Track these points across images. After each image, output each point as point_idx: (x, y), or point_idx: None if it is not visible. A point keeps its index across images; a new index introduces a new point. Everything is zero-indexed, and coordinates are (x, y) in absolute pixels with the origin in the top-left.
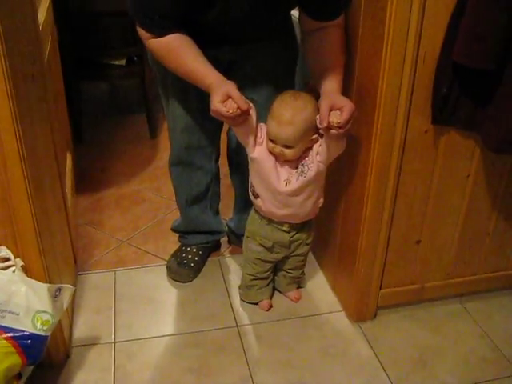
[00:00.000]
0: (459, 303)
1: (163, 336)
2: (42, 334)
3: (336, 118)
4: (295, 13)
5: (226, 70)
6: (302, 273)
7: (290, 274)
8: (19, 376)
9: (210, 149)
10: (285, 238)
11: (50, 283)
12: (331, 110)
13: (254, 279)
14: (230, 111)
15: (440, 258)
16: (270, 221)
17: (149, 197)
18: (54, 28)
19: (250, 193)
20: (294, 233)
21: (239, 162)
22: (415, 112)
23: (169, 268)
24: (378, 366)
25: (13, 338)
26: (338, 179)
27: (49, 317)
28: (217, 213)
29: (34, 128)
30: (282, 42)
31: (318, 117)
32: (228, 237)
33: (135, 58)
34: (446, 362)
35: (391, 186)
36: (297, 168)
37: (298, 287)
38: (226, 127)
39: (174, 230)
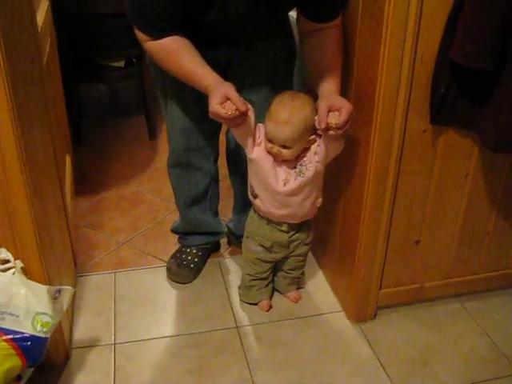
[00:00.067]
0: (459, 303)
1: (163, 337)
2: (42, 335)
3: (334, 119)
4: (293, 14)
5: (224, 71)
6: (302, 273)
7: (289, 275)
8: (19, 378)
9: (209, 150)
10: (284, 238)
11: (49, 285)
12: (329, 111)
13: (254, 279)
14: (229, 113)
15: (439, 258)
16: (269, 221)
17: (148, 198)
18: (53, 30)
19: (249, 193)
20: (292, 233)
21: (238, 163)
22: (413, 112)
23: (168, 269)
24: (377, 366)
25: (13, 339)
26: (337, 179)
27: (49, 318)
28: (216, 214)
29: (33, 130)
30: (279, 43)
31: (316, 118)
32: (227, 238)
33: (134, 60)
34: (446, 361)
35: (390, 186)
36: (295, 168)
37: (298, 288)
38: (224, 128)
39: (173, 231)
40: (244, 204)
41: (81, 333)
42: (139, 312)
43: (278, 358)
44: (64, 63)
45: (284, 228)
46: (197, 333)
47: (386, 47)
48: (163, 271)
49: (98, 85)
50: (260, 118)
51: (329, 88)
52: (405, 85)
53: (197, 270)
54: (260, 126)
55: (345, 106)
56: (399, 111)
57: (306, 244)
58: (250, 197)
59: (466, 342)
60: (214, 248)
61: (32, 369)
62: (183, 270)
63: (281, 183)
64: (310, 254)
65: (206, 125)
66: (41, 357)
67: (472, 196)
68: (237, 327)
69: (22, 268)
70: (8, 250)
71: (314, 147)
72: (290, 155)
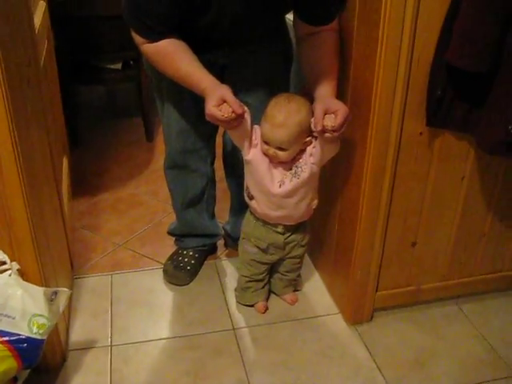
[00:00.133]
0: (455, 305)
1: (160, 339)
2: (38, 337)
3: (330, 121)
4: (290, 16)
5: (221, 73)
6: (299, 275)
7: (286, 277)
8: (15, 380)
9: (206, 152)
10: (279, 240)
11: (46, 287)
12: (325, 114)
13: (250, 281)
14: (225, 115)
15: (436, 260)
16: (265, 222)
17: (145, 200)
18: (50, 32)
19: (245, 194)
20: (288, 234)
21: (235, 165)
22: (410, 114)
23: (165, 271)
24: (374, 368)
25: (9, 341)
26: (334, 181)
27: (45, 320)
28: (213, 216)
29: (30, 131)
30: (276, 46)
31: (312, 120)
32: (224, 240)
33: (131, 62)
34: (443, 363)
35: (386, 187)
36: (290, 169)
37: (295, 290)
38: (221, 130)
39: (170, 233)
40: (240, 206)
41: (77, 335)
42: (136, 314)
43: (274, 360)
44: (61, 65)
45: (280, 229)
46: (193, 335)
47: (382, 50)
48: (160, 273)
49: (96, 87)
50: (256, 120)
51: (325, 91)
52: (401, 87)
53: (193, 272)
54: (256, 127)
55: (341, 108)
56: (395, 114)
57: (302, 246)
58: (246, 198)
59: (462, 345)
60: (211, 250)
61: (28, 371)
62: (180, 272)
63: (276, 185)
64: (306, 255)
65: (202, 127)
66: (37, 359)
67: (468, 198)
68: (233, 329)
69: (18, 270)
70: (4, 251)
71: (309, 149)
72: (286, 157)
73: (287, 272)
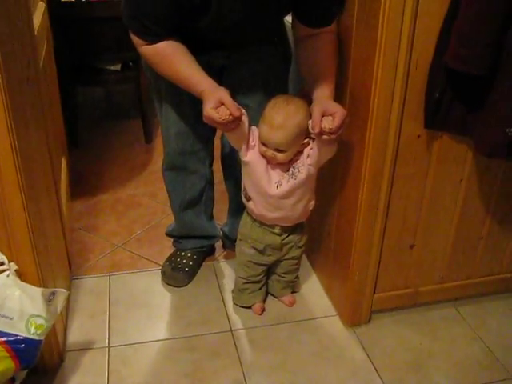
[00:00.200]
0: (453, 307)
1: (157, 340)
2: (36, 338)
3: (328, 123)
4: (288, 18)
5: (219, 75)
6: (296, 277)
7: (283, 279)
8: (12, 380)
9: (204, 153)
10: (276, 241)
11: (44, 287)
12: (323, 116)
13: (247, 283)
14: (223, 117)
15: (434, 262)
16: (262, 223)
17: (144, 201)
18: (50, 33)
19: (243, 196)
20: (285, 235)
21: (233, 167)
22: (408, 117)
23: (163, 272)
24: (372, 370)
25: (6, 342)
26: (332, 183)
27: (43, 321)
28: (211, 217)
29: (29, 132)
30: (274, 48)
31: (310, 122)
32: (222, 241)
33: (130, 64)
34: (440, 365)
35: (384, 190)
36: (288, 171)
37: (293, 292)
38: (219, 133)
39: (168, 234)
40: (238, 208)
41: (75, 336)
42: (134, 315)
43: (272, 361)
44: (61, 66)
45: (277, 230)
46: (191, 336)
47: (380, 52)
48: (158, 274)
49: (95, 88)
50: (255, 122)
51: (323, 93)
52: (399, 90)
53: (191, 274)
54: (254, 129)
55: (338, 111)
56: (394, 116)
57: (300, 247)
58: (244, 199)
59: (459, 347)
60: (209, 252)
61: (25, 371)
62: (178, 274)
63: (274, 186)
64: (304, 257)
65: (200, 129)
66: (34, 359)
67: (466, 201)
68: (231, 331)
69: (16, 270)
70: (2, 252)
71: (306, 150)
72: (284, 158)
73: (285, 273)
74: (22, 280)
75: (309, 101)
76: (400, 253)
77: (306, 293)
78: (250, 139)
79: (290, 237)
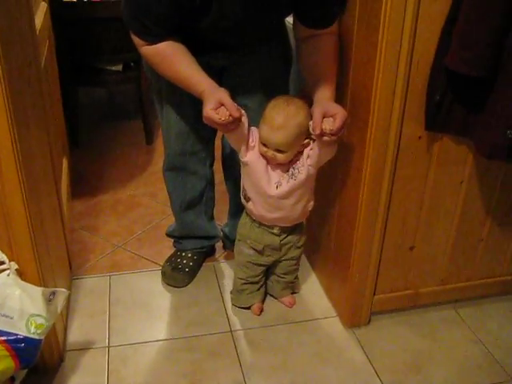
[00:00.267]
0: (453, 309)
1: (157, 341)
2: (36, 337)
3: (329, 125)
4: (290, 19)
5: (219, 76)
6: (296, 277)
7: (283, 279)
8: (12, 380)
9: (204, 154)
10: (275, 241)
11: (44, 287)
12: (324, 117)
13: (245, 283)
14: (222, 118)
15: (434, 264)
16: (261, 224)
17: (144, 202)
18: (51, 33)
19: (242, 196)
20: (284, 236)
21: (233, 168)
22: (409, 118)
23: (163, 273)
24: (371, 372)
25: (6, 341)
26: (332, 184)
27: (43, 320)
28: (211, 218)
29: (30, 132)
30: (275, 49)
31: (311, 123)
32: (223, 242)
33: (132, 64)
34: (440, 367)
35: (385, 191)
36: (287, 171)
37: (293, 292)
38: (220, 133)
39: (168, 235)
40: (239, 208)
41: (75, 335)
42: (134, 315)
43: (271, 362)
44: (62, 66)
45: (275, 231)
46: (191, 337)
47: (381, 54)
48: (158, 275)
49: (96, 88)
50: (255, 122)
51: (324, 94)
52: (400, 91)
53: (192, 274)
54: (253, 129)
55: (339, 112)
56: (394, 117)
57: (298, 247)
58: (243, 200)
59: (459, 349)
60: (209, 252)
61: (25, 371)
62: (178, 274)
63: (273, 186)
64: (304, 258)
65: (201, 129)
66: (34, 359)
67: (466, 203)
68: (231, 331)
69: (16, 270)
70: (3, 251)
71: (306, 151)
72: (285, 159)
73: (284, 274)
74: (22, 279)
75: (309, 102)
76: (400, 254)
77: (305, 294)
78: (250, 140)
79: (289, 237)
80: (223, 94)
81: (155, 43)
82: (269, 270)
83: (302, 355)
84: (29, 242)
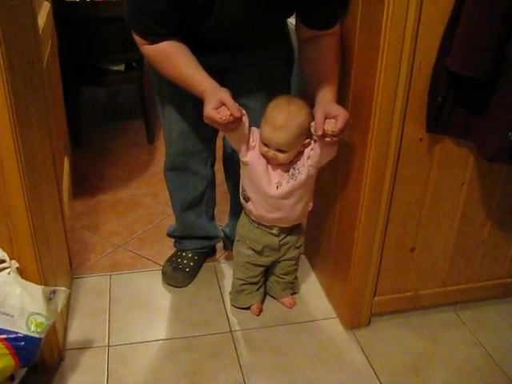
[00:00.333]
0: (453, 311)
1: (157, 340)
2: (36, 336)
3: (331, 126)
4: (292, 20)
5: (221, 76)
6: (295, 278)
7: (282, 280)
8: (12, 378)
9: (206, 154)
10: (274, 242)
11: (44, 285)
12: (326, 119)
13: (244, 284)
14: (223, 118)
15: (434, 266)
16: (260, 224)
17: (145, 202)
18: (54, 33)
19: (241, 196)
20: (283, 236)
21: (234, 168)
22: (410, 120)
23: (164, 273)
24: (371, 373)
25: (6, 339)
26: (333, 185)
27: (43, 319)
28: (212, 218)
29: (32, 131)
30: (277, 49)
31: (312, 124)
32: (223, 242)
33: (134, 64)
34: (440, 370)
35: (386, 193)
36: (288, 171)
37: (293, 293)
38: (221, 133)
39: (169, 235)
40: (240, 209)
41: (75, 334)
42: (134, 315)
43: (271, 363)
44: (64, 66)
45: (275, 231)
46: (191, 337)
47: (383, 56)
48: (159, 275)
49: (98, 88)
50: (256, 123)
51: (326, 95)
52: (402, 93)
53: (192, 274)
54: (254, 129)
55: (341, 113)
56: (396, 119)
57: (297, 248)
58: (242, 200)
59: (459, 351)
60: (210, 252)
61: (25, 369)
62: (178, 274)
63: (274, 186)
64: (304, 259)
65: (203, 129)
66: (34, 357)
67: (467, 205)
68: (231, 332)
69: (17, 268)
70: (4, 249)
71: (307, 151)
72: (285, 159)
73: (283, 274)
74: (23, 278)
75: (311, 102)
76: (400, 256)
77: (305, 294)
78: (250, 140)
79: (288, 238)
80: (224, 94)
81: (156, 42)
82: (268, 271)
83: (302, 356)
84: (30, 241)
